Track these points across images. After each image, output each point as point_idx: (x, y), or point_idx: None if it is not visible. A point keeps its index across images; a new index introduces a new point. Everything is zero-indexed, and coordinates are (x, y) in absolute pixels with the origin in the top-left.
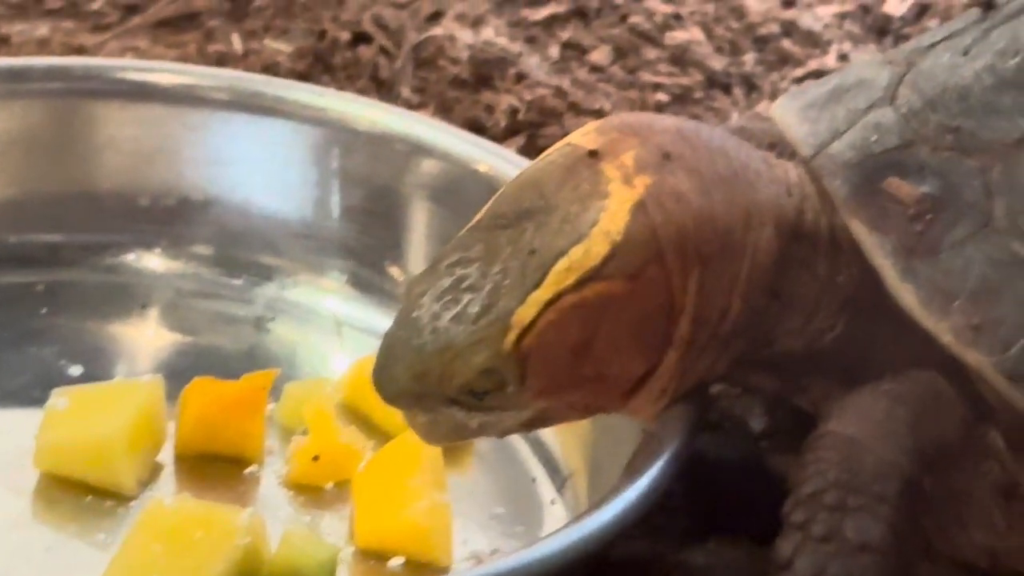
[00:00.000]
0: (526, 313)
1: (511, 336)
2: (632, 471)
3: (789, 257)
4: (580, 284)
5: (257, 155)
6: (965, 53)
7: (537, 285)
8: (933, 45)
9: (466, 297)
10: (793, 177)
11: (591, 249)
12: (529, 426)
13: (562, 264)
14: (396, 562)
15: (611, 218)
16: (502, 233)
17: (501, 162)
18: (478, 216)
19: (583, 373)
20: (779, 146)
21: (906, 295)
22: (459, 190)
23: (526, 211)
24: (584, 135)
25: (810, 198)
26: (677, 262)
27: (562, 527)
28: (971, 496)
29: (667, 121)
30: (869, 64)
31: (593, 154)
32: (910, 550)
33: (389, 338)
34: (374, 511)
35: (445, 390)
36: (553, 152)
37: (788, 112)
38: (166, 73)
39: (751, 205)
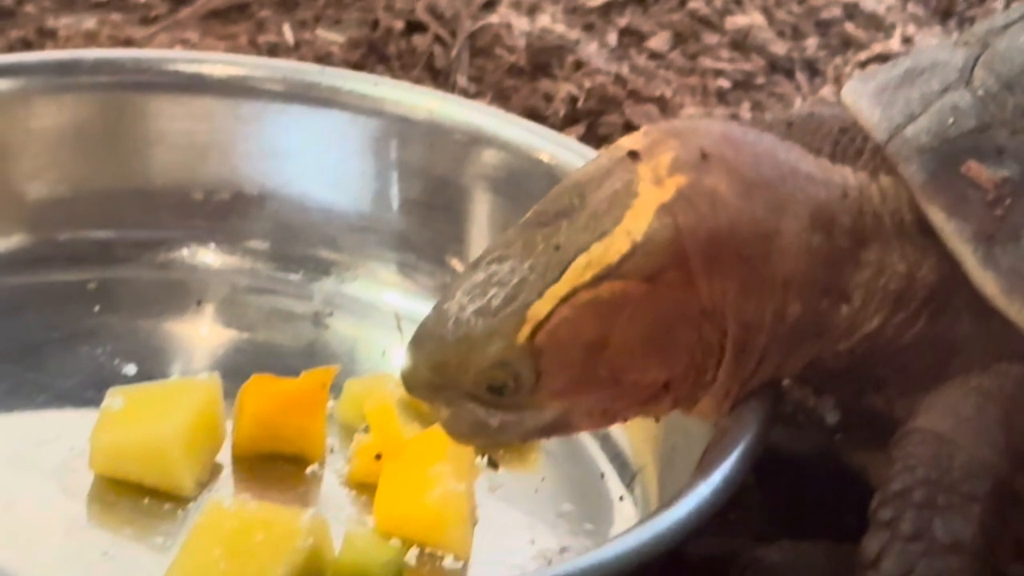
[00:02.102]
0: (542, 307)
1: (525, 329)
2: (705, 466)
3: (858, 260)
4: (596, 281)
5: (313, 147)
6: None
7: (556, 280)
8: (1008, 26)
9: (492, 291)
10: (851, 180)
11: (611, 247)
12: (552, 431)
13: (581, 260)
14: (456, 564)
15: (635, 217)
16: (540, 231)
17: (563, 151)
18: (527, 215)
19: (598, 375)
20: (850, 131)
21: (987, 283)
22: (520, 180)
23: (563, 210)
24: (632, 137)
25: (871, 199)
26: (705, 266)
27: (636, 524)
28: None
29: (714, 124)
30: (941, 46)
31: (633, 155)
32: (1000, 550)
33: (418, 329)
34: (392, 497)
35: (462, 382)
36: (602, 153)
37: (860, 96)
38: (218, 64)
39: (800, 208)
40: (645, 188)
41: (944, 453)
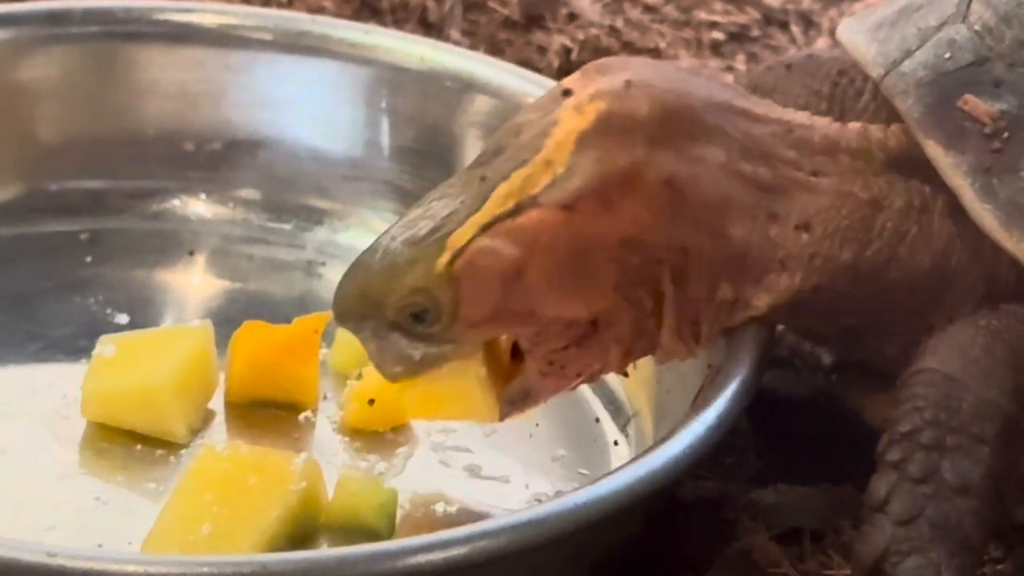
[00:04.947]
0: (462, 235)
1: (445, 257)
2: (699, 405)
3: (813, 190)
4: (515, 210)
5: (304, 96)
6: None
7: (478, 209)
8: None
9: (422, 223)
10: (801, 119)
11: (530, 175)
12: (518, 401)
13: (502, 189)
14: (449, 508)
15: (556, 146)
16: (477, 169)
17: None
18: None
19: (515, 308)
20: (849, 73)
21: (985, 216)
22: None
23: (500, 148)
24: (571, 77)
25: (827, 134)
26: (624, 192)
27: (629, 461)
28: None
29: (650, 61)
30: None
31: (566, 92)
32: (1008, 492)
33: (354, 261)
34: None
35: (384, 310)
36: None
37: (856, 33)
38: (208, 14)
39: (729, 139)
40: (566, 116)
41: (953, 394)
